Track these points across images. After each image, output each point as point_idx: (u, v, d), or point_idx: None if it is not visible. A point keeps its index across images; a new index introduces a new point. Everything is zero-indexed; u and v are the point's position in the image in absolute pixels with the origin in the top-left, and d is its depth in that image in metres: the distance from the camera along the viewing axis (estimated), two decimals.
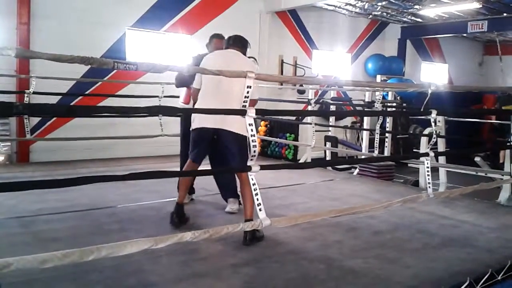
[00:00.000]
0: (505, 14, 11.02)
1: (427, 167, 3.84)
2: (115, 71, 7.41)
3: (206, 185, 4.98)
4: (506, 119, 6.55)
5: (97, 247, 1.97)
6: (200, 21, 9.04)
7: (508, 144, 5.62)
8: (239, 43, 3.98)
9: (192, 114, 3.98)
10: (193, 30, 9.00)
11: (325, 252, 3.49)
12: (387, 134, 7.31)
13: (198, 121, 3.87)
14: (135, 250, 2.07)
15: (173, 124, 6.23)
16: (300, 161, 7.58)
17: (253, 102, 3.57)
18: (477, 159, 6.54)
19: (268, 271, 3.11)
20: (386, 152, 7.17)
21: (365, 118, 8.28)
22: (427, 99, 3.97)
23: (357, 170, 7.39)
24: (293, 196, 5.35)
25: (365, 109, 7.65)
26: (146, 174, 2.39)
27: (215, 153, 4.17)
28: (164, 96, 6.84)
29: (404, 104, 9.16)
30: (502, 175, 5.63)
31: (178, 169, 4.57)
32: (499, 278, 3.31)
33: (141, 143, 7.41)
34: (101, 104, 7.31)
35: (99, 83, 7.72)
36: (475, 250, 3.68)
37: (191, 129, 3.95)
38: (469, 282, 3.05)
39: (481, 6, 10.40)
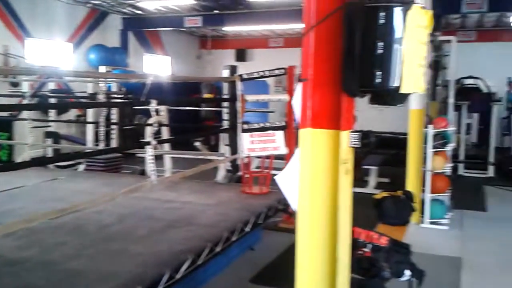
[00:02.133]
0: (216, 11, 12.26)
1: (150, 155, 3.98)
2: None
3: None
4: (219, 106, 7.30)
5: None
6: None
7: (221, 128, 6.28)
8: None
9: None
10: None
11: (46, 258, 3.21)
12: (113, 126, 7.23)
13: None
14: None
15: None
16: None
17: None
18: (196, 143, 7.12)
19: None
20: (113, 144, 7.09)
21: (90, 111, 7.99)
22: (146, 89, 4.09)
23: (83, 166, 7.09)
24: (10, 202, 4.74)
25: (88, 101, 7.37)
26: None
27: None
28: None
29: (130, 95, 9.23)
30: (218, 156, 6.28)
31: None
32: (217, 250, 3.68)
33: None
34: None
35: None
36: (196, 228, 3.98)
37: None
38: (192, 259, 3.28)
39: (196, 2, 11.31)
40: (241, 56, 16.06)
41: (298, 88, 2.00)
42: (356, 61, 1.81)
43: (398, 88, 1.80)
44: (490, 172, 9.36)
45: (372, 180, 8.37)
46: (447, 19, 11.92)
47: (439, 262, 4.91)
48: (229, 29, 14.49)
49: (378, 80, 1.77)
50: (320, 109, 1.97)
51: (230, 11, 12.07)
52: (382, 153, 9.34)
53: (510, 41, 12.45)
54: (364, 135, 9.20)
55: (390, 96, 1.86)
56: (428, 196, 6.12)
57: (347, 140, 1.95)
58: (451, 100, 8.70)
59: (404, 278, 3.48)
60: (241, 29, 14.71)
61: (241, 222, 4.13)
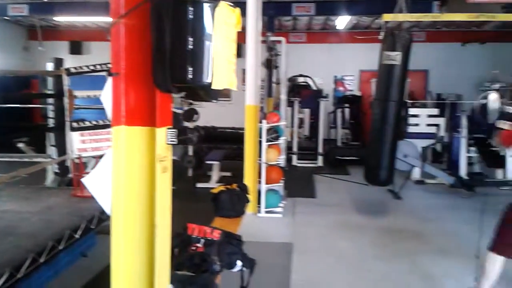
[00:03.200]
0: (46, 0, 11.22)
1: None
2: None
3: None
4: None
5: None
6: None
7: (47, 127, 5.76)
8: None
9: None
10: None
11: None
12: None
13: None
14: None
15: None
16: None
17: None
18: (20, 145, 6.42)
19: None
20: None
21: None
22: None
23: None
24: None
25: None
26: None
27: None
28: None
29: None
30: (46, 158, 5.75)
31: None
32: (41, 260, 3.35)
33: None
34: None
35: None
36: (16, 238, 3.57)
37: None
38: (10, 272, 2.93)
39: None
40: (76, 48, 14.99)
41: (108, 83, 1.88)
42: (167, 56, 1.76)
43: (210, 84, 1.80)
44: (319, 162, 10.28)
45: (215, 174, 8.54)
46: (280, 21, 12.72)
47: (273, 249, 5.22)
48: (61, 19, 13.40)
49: (190, 76, 1.76)
50: (134, 106, 1.89)
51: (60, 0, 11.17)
52: (224, 148, 9.60)
53: (335, 42, 13.75)
54: (183, 131, 9.34)
55: (204, 92, 1.86)
56: (263, 187, 6.45)
57: (164, 137, 1.90)
58: (283, 97, 9.31)
59: (236, 269, 3.59)
60: (74, 20, 13.71)
61: (69, 229, 3.82)
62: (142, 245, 1.89)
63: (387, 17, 6.75)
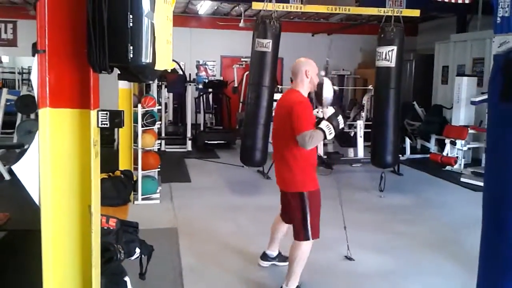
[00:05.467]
0: None
1: None
2: None
3: None
4: None
5: None
6: None
7: None
8: None
9: None
10: None
11: None
12: None
13: None
14: None
15: None
16: None
17: None
18: None
19: None
20: None
21: None
22: None
23: None
24: None
25: None
26: None
27: None
28: None
29: None
30: None
31: None
32: None
33: None
34: None
35: None
36: None
37: None
38: None
39: None
40: None
41: (35, 61, 1.69)
42: (104, 33, 1.65)
43: (150, 64, 1.74)
44: (189, 146, 10.33)
45: None
46: None
47: (158, 235, 5.14)
48: None
49: (131, 56, 1.67)
50: (61, 86, 1.73)
51: None
52: None
53: (197, 27, 13.73)
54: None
55: (142, 73, 1.78)
56: (140, 173, 6.28)
57: (96, 120, 1.78)
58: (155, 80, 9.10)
59: (135, 256, 3.50)
60: None
61: None
62: (73, 234, 1.76)
63: (257, 5, 7.03)
